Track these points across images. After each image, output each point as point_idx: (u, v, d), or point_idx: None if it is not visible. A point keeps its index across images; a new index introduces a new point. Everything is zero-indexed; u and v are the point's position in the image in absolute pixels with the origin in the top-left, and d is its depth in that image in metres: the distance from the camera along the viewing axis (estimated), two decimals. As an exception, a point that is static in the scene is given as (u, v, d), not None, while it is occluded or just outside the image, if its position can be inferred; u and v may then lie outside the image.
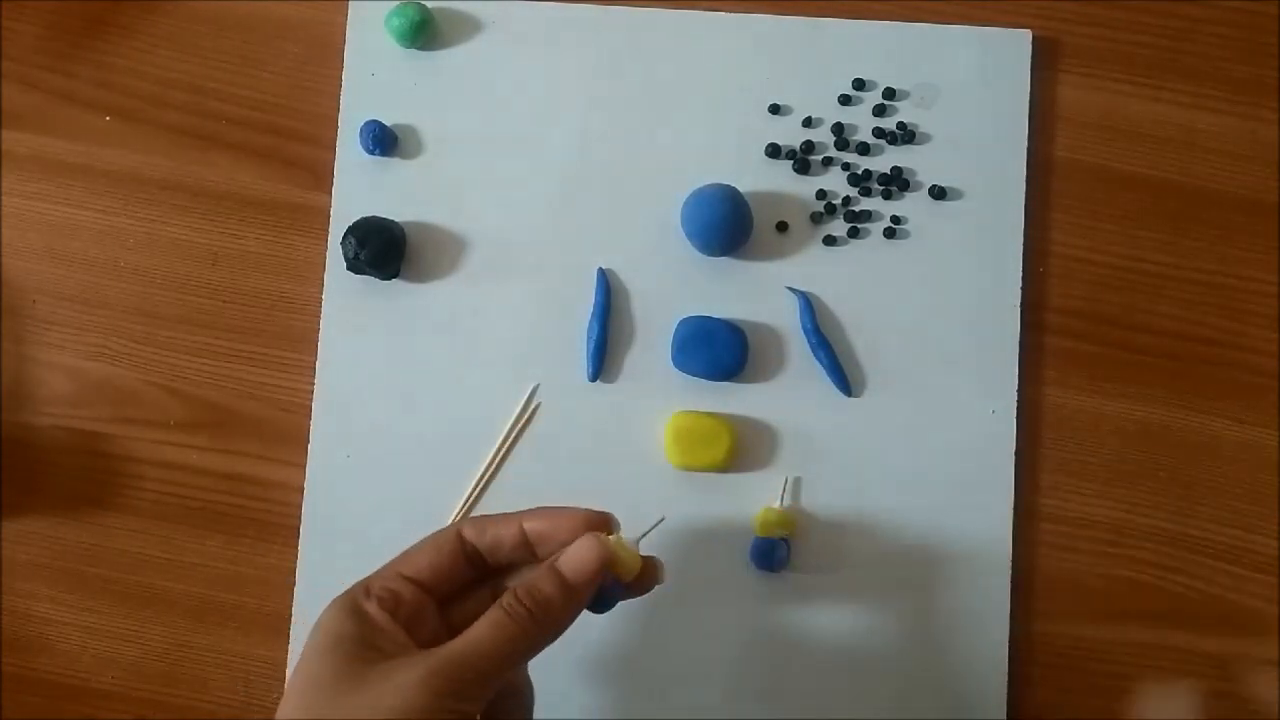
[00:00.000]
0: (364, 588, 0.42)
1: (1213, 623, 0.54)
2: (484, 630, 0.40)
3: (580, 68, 0.57)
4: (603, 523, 0.44)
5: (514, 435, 0.55)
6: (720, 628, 0.54)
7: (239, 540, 0.56)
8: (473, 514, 0.54)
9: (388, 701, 0.38)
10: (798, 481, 0.54)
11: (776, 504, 0.54)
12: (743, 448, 0.54)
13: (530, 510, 0.44)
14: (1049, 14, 0.57)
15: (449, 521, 0.54)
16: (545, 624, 0.41)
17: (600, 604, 0.43)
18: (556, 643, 0.41)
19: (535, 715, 0.45)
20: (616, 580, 0.43)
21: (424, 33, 0.56)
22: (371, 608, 0.41)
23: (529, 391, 0.55)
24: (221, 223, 0.57)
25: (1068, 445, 0.55)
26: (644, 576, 0.44)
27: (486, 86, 0.57)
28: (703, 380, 0.55)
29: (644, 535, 0.44)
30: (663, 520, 0.44)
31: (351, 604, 0.41)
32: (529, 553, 0.44)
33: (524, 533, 0.44)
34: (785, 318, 0.55)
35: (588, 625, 0.44)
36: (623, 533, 0.43)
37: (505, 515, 0.44)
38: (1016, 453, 0.54)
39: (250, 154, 0.57)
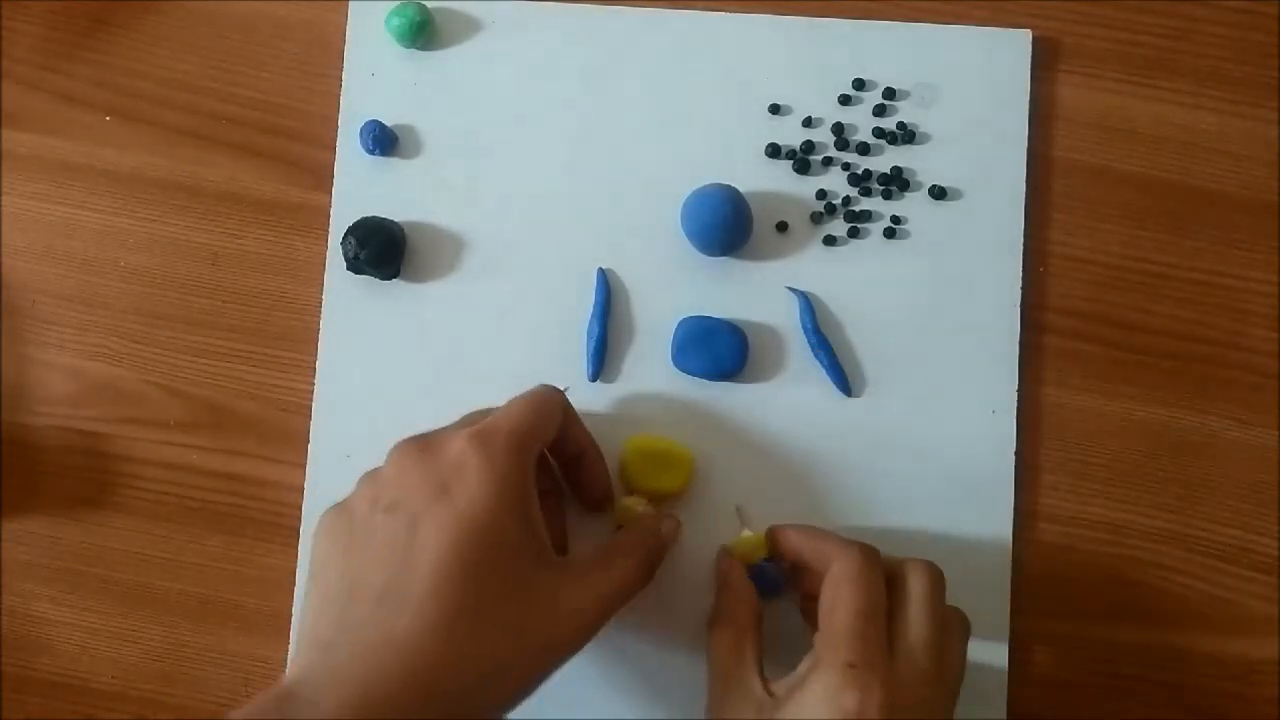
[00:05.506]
0: (519, 439, 0.41)
1: (1213, 623, 0.54)
2: (626, 563, 0.43)
3: (580, 68, 0.57)
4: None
5: (514, 435, 0.55)
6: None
7: (239, 540, 0.56)
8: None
9: (563, 629, 0.38)
10: (746, 506, 0.53)
11: (744, 532, 0.52)
12: (703, 474, 0.54)
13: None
14: (1049, 14, 0.57)
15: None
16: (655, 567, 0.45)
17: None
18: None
19: None
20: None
21: (424, 33, 0.56)
22: (531, 478, 0.40)
23: (529, 391, 0.55)
24: (221, 223, 0.57)
25: (1068, 445, 0.55)
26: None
27: (486, 86, 0.57)
28: (703, 380, 0.55)
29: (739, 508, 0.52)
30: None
31: (522, 457, 0.40)
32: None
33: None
34: (785, 318, 0.55)
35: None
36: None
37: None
38: (1016, 453, 0.54)
39: (250, 154, 0.57)
